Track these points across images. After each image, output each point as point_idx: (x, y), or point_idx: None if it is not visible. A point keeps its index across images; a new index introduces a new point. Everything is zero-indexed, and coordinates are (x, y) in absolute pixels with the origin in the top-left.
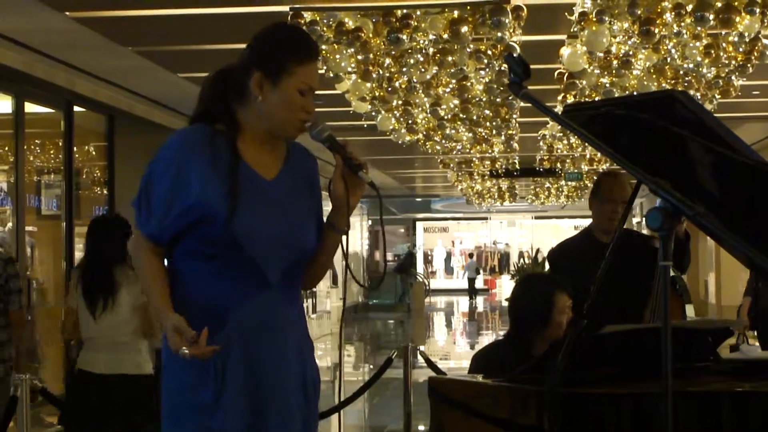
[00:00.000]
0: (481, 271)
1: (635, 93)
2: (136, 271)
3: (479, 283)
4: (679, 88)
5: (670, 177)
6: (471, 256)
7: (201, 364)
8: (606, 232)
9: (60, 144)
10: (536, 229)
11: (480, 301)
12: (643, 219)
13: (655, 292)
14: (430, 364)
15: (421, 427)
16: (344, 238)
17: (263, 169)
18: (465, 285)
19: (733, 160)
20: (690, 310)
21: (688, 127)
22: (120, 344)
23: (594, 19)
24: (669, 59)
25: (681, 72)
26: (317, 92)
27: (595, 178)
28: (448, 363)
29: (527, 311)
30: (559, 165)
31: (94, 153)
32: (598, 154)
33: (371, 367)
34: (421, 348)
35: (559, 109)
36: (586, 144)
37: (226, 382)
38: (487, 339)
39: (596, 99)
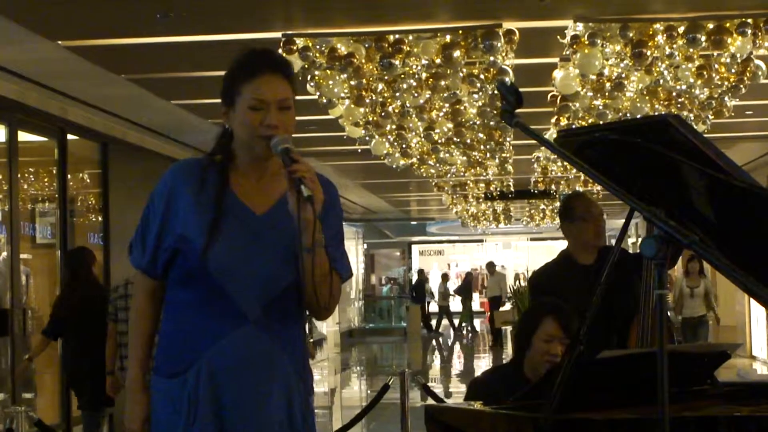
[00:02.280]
0: (476, 294)
1: (628, 115)
2: (131, 314)
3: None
4: (673, 110)
5: (664, 201)
6: (444, 277)
7: (176, 400)
8: (591, 250)
9: (54, 172)
10: (532, 251)
11: (477, 323)
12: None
13: (642, 311)
14: (427, 391)
15: None
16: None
17: (254, 202)
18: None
19: (725, 182)
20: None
21: (681, 150)
22: None
23: (586, 42)
24: (662, 81)
25: (674, 93)
26: (313, 118)
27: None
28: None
29: (518, 334)
30: (553, 186)
31: (88, 180)
32: None
33: (369, 392)
34: (417, 374)
35: (552, 132)
36: None
37: (196, 421)
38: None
39: (590, 123)
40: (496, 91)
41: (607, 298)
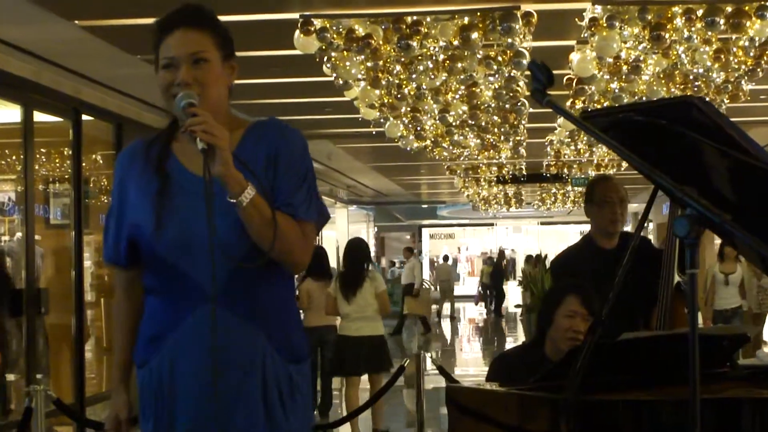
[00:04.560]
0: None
1: (644, 98)
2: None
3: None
4: (689, 93)
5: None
6: (410, 250)
7: (146, 389)
8: (608, 235)
9: (67, 153)
10: (542, 235)
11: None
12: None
13: (662, 297)
14: (443, 372)
15: None
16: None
17: (199, 166)
18: (472, 291)
19: (750, 164)
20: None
21: (705, 132)
22: (365, 317)
23: (604, 25)
24: (679, 64)
25: (690, 77)
26: (327, 100)
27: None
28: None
29: (540, 312)
30: (566, 170)
31: (101, 162)
32: (605, 160)
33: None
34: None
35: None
36: (594, 149)
37: (155, 412)
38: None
39: (613, 105)
40: (512, 74)
41: (630, 283)
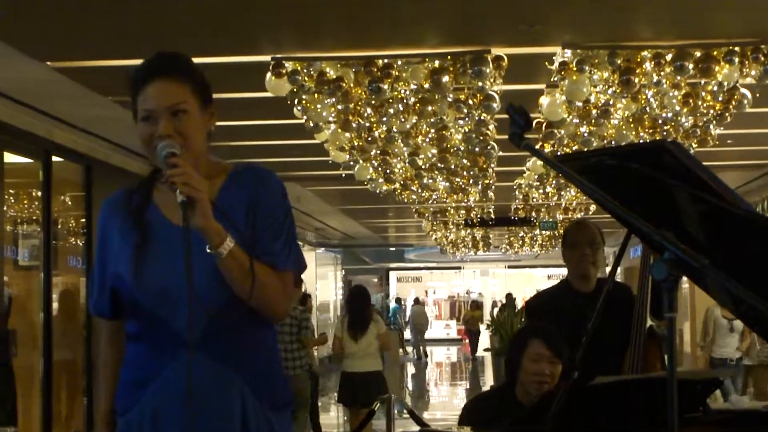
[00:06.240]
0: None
1: (613, 143)
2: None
3: (453, 333)
4: (657, 138)
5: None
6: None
7: None
8: (582, 278)
9: (35, 194)
10: (509, 279)
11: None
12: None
13: (634, 341)
14: (413, 416)
15: None
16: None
17: (179, 216)
18: (439, 335)
19: (722, 208)
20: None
21: (677, 176)
22: (368, 355)
23: (574, 69)
24: (648, 108)
25: (659, 121)
26: (296, 142)
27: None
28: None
29: (507, 356)
30: (534, 214)
31: (70, 203)
32: (573, 203)
33: (345, 418)
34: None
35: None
36: (562, 193)
37: None
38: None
39: (585, 150)
40: (482, 117)
41: (605, 327)
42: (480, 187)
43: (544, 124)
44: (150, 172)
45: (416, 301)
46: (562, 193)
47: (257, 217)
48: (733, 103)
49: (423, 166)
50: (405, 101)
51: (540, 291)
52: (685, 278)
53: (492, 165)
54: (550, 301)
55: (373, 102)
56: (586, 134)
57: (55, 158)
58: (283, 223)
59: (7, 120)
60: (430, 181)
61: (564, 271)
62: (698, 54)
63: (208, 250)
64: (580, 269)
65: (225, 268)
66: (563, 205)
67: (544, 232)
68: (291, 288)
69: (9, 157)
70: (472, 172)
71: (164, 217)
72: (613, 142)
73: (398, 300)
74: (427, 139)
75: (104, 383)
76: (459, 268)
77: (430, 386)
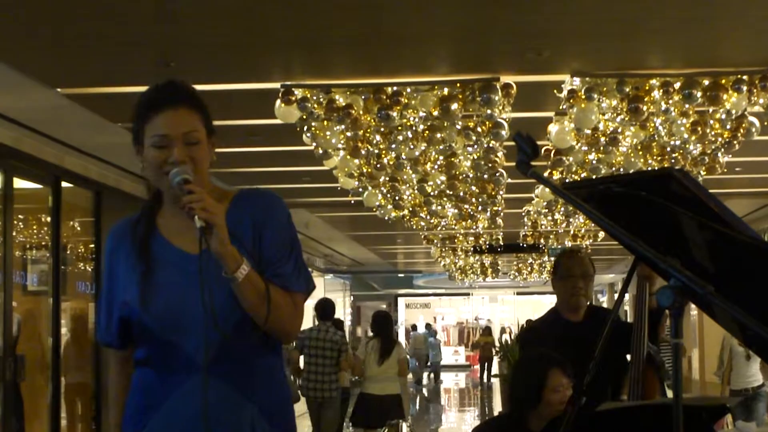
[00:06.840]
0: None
1: (621, 170)
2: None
3: (461, 359)
4: (666, 165)
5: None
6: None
7: None
8: (572, 309)
9: (44, 219)
10: (518, 305)
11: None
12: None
13: (634, 368)
14: None
15: None
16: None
17: (185, 241)
18: (448, 361)
19: (729, 236)
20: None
21: (684, 204)
22: (387, 378)
23: (583, 97)
24: (656, 136)
25: (668, 149)
26: (306, 169)
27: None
28: None
29: (521, 389)
30: (542, 240)
31: (79, 228)
32: (582, 230)
33: None
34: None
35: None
36: (571, 220)
37: None
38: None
39: (593, 177)
40: (491, 144)
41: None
42: (489, 213)
43: (553, 152)
44: (149, 199)
45: (428, 326)
46: (571, 219)
47: (264, 240)
48: (742, 131)
49: (432, 193)
50: (414, 128)
51: (531, 322)
52: (693, 305)
53: (501, 192)
54: (541, 330)
55: (382, 129)
56: (594, 162)
57: (64, 184)
58: (290, 245)
59: (17, 146)
60: (439, 207)
61: None
62: (706, 82)
63: (224, 275)
64: (573, 302)
65: (241, 293)
66: (572, 231)
67: (552, 258)
68: (302, 308)
69: (19, 183)
70: (480, 199)
71: (170, 243)
72: (621, 170)
73: (428, 326)
74: (436, 166)
75: (115, 413)
76: (468, 294)
77: (441, 411)
